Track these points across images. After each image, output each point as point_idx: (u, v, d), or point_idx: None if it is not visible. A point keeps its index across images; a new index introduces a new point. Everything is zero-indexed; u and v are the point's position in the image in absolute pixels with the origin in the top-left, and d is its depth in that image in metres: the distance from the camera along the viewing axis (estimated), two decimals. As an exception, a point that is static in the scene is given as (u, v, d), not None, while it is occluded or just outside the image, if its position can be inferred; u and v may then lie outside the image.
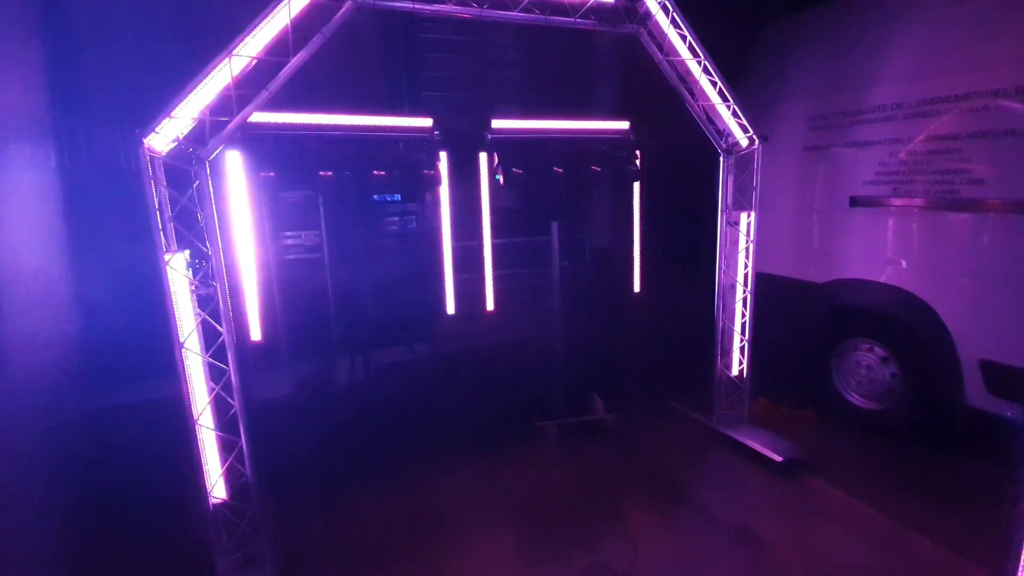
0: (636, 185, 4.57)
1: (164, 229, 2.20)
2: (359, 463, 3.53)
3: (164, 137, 2.19)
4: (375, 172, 3.59)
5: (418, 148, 3.72)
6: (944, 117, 3.37)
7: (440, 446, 3.77)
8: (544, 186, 4.21)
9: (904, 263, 3.66)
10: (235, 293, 3.33)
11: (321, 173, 3.66)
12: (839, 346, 4.16)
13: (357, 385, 4.37)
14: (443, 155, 3.85)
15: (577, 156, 4.24)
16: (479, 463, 3.62)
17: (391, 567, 2.65)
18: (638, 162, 4.45)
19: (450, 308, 4.15)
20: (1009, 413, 1.18)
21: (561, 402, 4.14)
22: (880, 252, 3.79)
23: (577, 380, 4.30)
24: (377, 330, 4.38)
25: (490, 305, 4.27)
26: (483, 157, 4.07)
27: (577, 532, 2.91)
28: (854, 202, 3.91)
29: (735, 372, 4.00)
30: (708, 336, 4.06)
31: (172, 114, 2.19)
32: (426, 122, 3.82)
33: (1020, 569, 1.23)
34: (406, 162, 3.69)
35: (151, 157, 2.15)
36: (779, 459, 3.45)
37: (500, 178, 4.02)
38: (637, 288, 4.69)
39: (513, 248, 4.77)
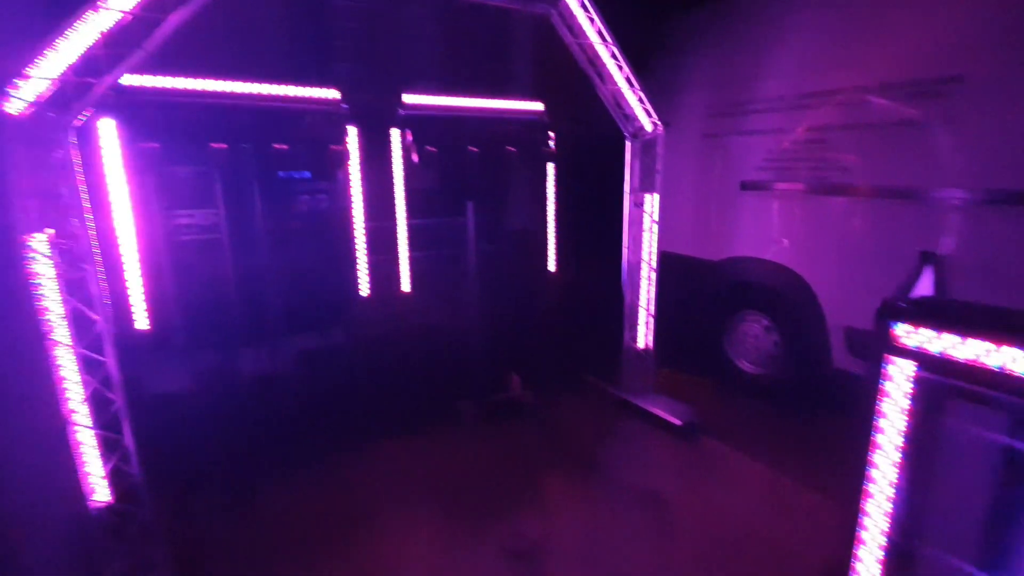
0: (550, 166, 4.67)
1: (22, 206, 1.93)
2: (271, 456, 3.37)
3: (19, 100, 1.90)
4: (276, 146, 3.36)
5: (325, 121, 3.53)
6: (818, 110, 3.74)
7: (358, 433, 3.68)
8: (459, 166, 4.18)
9: (785, 242, 4.06)
10: (115, 278, 3.00)
11: (214, 146, 3.37)
12: (731, 318, 4.56)
13: (266, 375, 4.13)
14: (352, 130, 3.68)
15: (492, 136, 4.24)
16: (397, 447, 3.60)
17: (306, 560, 2.58)
18: (552, 143, 4.55)
19: (364, 290, 4.03)
20: (857, 371, 1.36)
21: (479, 382, 4.19)
22: (765, 232, 4.17)
23: (495, 359, 4.37)
24: (287, 316, 4.15)
25: (406, 287, 4.19)
26: (396, 134, 3.95)
27: (494, 506, 2.99)
28: (744, 186, 4.27)
29: (641, 345, 4.26)
30: (617, 312, 4.28)
31: (27, 73, 1.91)
32: (333, 94, 3.63)
33: (863, 501, 1.42)
34: (311, 136, 3.49)
35: (4, 122, 1.87)
36: (679, 423, 3.75)
37: (414, 156, 3.93)
38: (552, 268, 4.83)
39: (430, 229, 4.69)
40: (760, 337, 4.34)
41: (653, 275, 4.15)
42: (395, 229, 4.13)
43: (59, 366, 2.03)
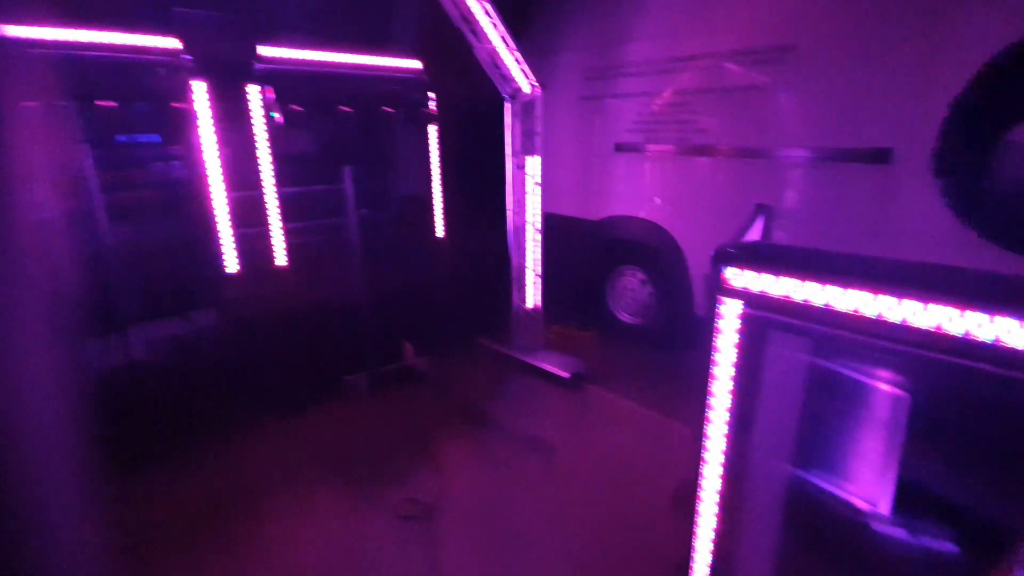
0: (432, 129, 4.53)
1: None
2: (143, 452, 3.03)
3: None
4: (100, 103, 2.89)
5: (162, 75, 3.09)
6: (680, 75, 3.99)
7: (239, 418, 3.44)
8: (332, 128, 3.90)
9: (656, 200, 4.36)
10: None
11: (26, 105, 2.81)
12: (611, 273, 4.85)
13: (125, 368, 3.67)
14: (199, 85, 3.26)
15: (368, 96, 4.00)
16: (285, 426, 3.43)
17: (188, 554, 2.39)
18: (433, 104, 4.40)
19: (232, 266, 3.68)
20: (698, 312, 1.50)
21: (370, 353, 4.08)
22: (638, 192, 4.45)
23: (386, 330, 4.26)
24: (142, 301, 3.69)
25: (282, 260, 3.91)
26: (254, 91, 3.57)
27: (388, 473, 2.98)
28: (618, 148, 4.49)
29: (530, 305, 4.41)
30: (507, 274, 4.36)
31: None
32: (173, 43, 3.17)
33: (704, 425, 1.60)
34: (144, 92, 3.05)
35: None
36: (567, 375, 3.97)
37: (278, 116, 3.60)
38: (440, 233, 4.77)
39: (306, 198, 4.39)
40: (637, 290, 4.68)
41: (538, 236, 4.26)
42: (264, 198, 3.79)
43: None
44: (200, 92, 3.26)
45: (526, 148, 4.07)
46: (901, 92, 2.94)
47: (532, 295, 4.39)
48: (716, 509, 1.68)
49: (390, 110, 4.03)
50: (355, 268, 4.12)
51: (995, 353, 1.10)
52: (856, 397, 2.27)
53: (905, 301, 1.21)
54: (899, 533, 2.29)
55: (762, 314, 1.44)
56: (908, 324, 1.20)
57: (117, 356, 3.65)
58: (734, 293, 1.48)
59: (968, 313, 1.11)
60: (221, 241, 3.60)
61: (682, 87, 3.99)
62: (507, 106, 3.98)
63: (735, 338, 1.50)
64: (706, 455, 1.66)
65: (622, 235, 4.64)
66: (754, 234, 1.83)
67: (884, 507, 2.32)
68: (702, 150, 3.96)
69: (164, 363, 3.79)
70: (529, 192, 4.16)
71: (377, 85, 4.11)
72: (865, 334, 1.29)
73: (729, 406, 1.57)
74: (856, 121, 3.14)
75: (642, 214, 4.46)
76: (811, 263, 1.40)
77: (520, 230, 4.27)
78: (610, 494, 2.76)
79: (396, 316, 4.37)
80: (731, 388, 1.55)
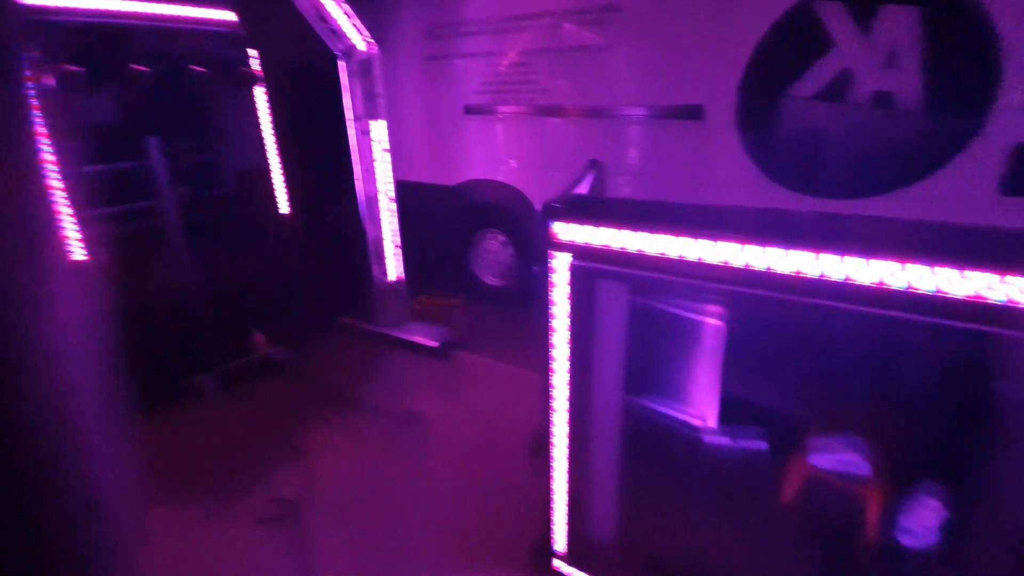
0: (259, 92, 4.04)
1: None
2: None
3: None
4: None
5: None
6: (521, 34, 4.00)
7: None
8: (129, 92, 3.30)
9: (512, 163, 4.41)
10: None
11: None
12: (473, 238, 4.86)
13: None
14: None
15: (169, 53, 3.42)
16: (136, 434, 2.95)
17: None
18: (256, 63, 3.91)
19: None
20: (535, 269, 1.54)
21: (217, 349, 3.65)
22: (491, 154, 4.46)
23: (233, 321, 3.84)
24: None
25: (80, 255, 3.27)
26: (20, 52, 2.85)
27: (247, 476, 2.74)
28: (468, 110, 4.42)
29: (392, 278, 4.26)
30: (364, 248, 4.14)
31: None
32: None
33: (549, 374, 1.67)
34: None
35: None
36: (435, 344, 3.95)
37: (49, 79, 2.93)
38: (286, 209, 4.35)
39: (112, 177, 3.69)
40: (499, 252, 4.76)
41: (393, 206, 4.09)
42: (44, 181, 3.10)
43: None
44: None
45: (369, 111, 3.83)
46: (708, 53, 3.26)
47: (393, 267, 4.24)
48: (566, 449, 1.79)
49: (200, 69, 3.49)
50: (186, 256, 3.61)
51: (794, 284, 1.25)
52: (683, 331, 2.55)
53: (703, 241, 1.34)
54: (724, 441, 2.66)
55: (588, 264, 1.52)
56: (704, 262, 1.34)
57: None
58: (562, 246, 1.53)
59: (769, 249, 1.26)
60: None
61: (525, 47, 4.01)
62: (341, 65, 3.68)
63: (567, 289, 1.56)
64: (553, 401, 1.75)
65: (480, 199, 4.65)
66: (583, 189, 1.92)
67: (712, 421, 2.68)
68: (547, 111, 4.05)
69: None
70: (377, 159, 3.94)
71: (180, 40, 3.53)
72: (676, 274, 1.42)
73: (568, 353, 1.65)
74: (674, 80, 3.43)
75: (500, 177, 4.49)
76: (626, 213, 1.49)
77: (373, 200, 4.06)
78: (480, 454, 2.83)
79: (242, 305, 3.94)
80: (567, 337, 1.63)
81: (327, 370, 3.81)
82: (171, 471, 2.73)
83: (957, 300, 1.07)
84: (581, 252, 1.51)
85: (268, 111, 4.11)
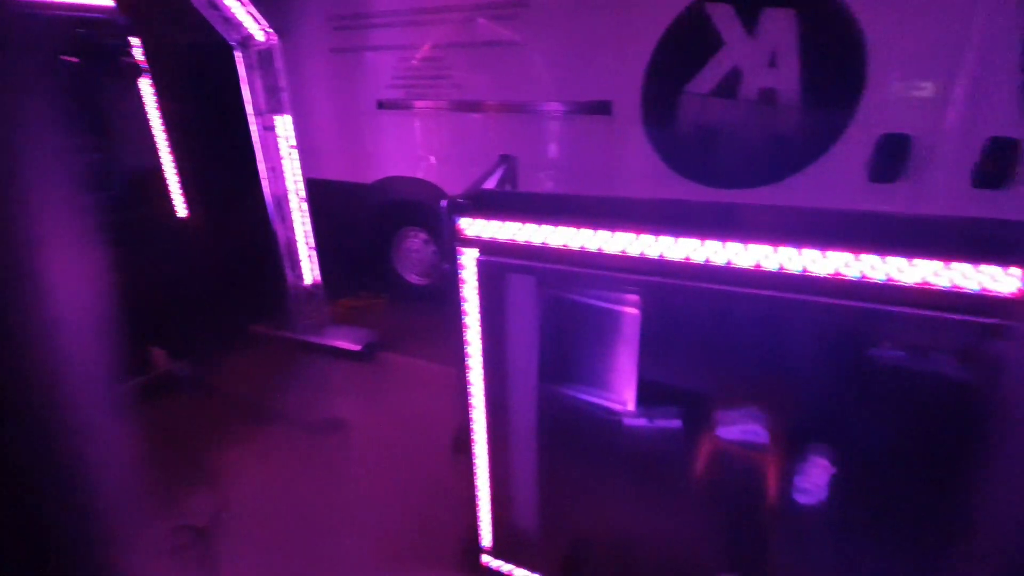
0: (145, 84, 3.70)
1: None
2: None
3: None
4: None
5: None
6: (435, 27, 3.93)
7: None
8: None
9: (430, 159, 4.33)
10: None
11: None
12: (394, 236, 4.75)
13: None
14: None
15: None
16: None
17: None
18: (139, 53, 3.57)
19: None
20: (445, 266, 1.51)
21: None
22: (409, 150, 4.36)
23: (127, 338, 3.49)
24: None
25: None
26: None
27: (154, 503, 2.51)
28: (381, 105, 4.30)
29: (309, 281, 4.06)
30: (276, 251, 3.92)
31: None
32: None
33: (465, 370, 1.65)
34: None
35: None
36: (358, 347, 3.82)
37: None
38: (183, 213, 4.02)
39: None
40: (421, 250, 4.68)
41: (304, 205, 3.90)
42: None
43: None
44: None
45: (272, 106, 3.61)
46: (614, 50, 3.37)
47: (309, 270, 4.05)
48: (486, 445, 1.79)
49: (72, 59, 3.14)
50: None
51: (689, 270, 1.31)
52: (601, 321, 2.64)
53: (602, 232, 1.37)
54: (642, 422, 2.79)
55: (496, 259, 1.52)
56: (604, 252, 1.38)
57: None
58: (469, 242, 1.52)
59: (662, 239, 1.31)
60: None
61: (438, 41, 3.94)
62: (238, 56, 3.44)
63: (475, 284, 1.56)
64: (471, 398, 1.74)
65: (399, 197, 4.54)
66: (492, 183, 1.92)
67: (631, 404, 2.79)
68: (465, 106, 4.02)
69: None
70: (285, 157, 3.73)
71: (52, 27, 3.14)
72: (580, 266, 1.45)
73: (482, 349, 1.65)
74: (584, 76, 3.52)
75: (419, 174, 4.39)
76: (531, 207, 1.50)
77: (282, 200, 3.84)
78: (404, 456, 2.78)
79: (138, 320, 3.58)
80: (480, 333, 1.63)
81: (238, 383, 3.57)
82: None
83: (831, 280, 1.18)
84: (488, 247, 1.51)
85: (156, 106, 3.77)
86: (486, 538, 2.00)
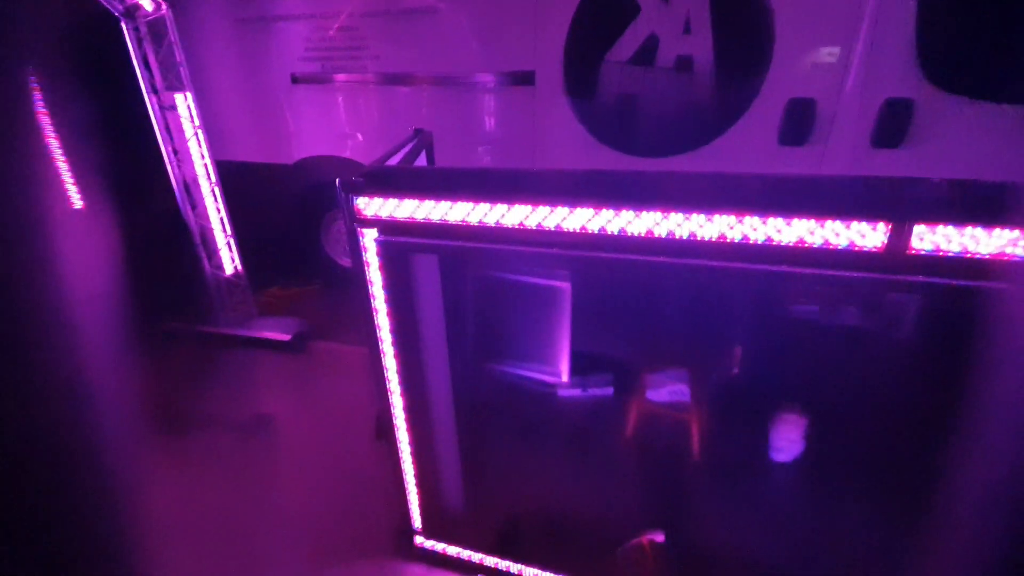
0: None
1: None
2: None
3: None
4: None
5: None
6: (343, -5, 3.70)
7: None
8: None
9: (357, 136, 4.13)
10: None
11: None
12: (324, 219, 4.55)
13: None
14: None
15: None
16: None
17: None
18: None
19: None
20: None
21: None
22: (332, 128, 4.14)
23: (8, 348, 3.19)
24: None
25: None
26: None
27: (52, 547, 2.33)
28: (295, 79, 4.04)
29: (230, 271, 3.84)
30: (188, 240, 3.66)
31: None
32: None
33: (380, 354, 1.60)
34: None
35: None
36: (287, 337, 3.66)
37: None
38: (78, 204, 3.66)
39: None
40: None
41: (217, 190, 3.65)
42: None
43: None
44: None
45: (170, 83, 3.32)
46: (534, 18, 3.29)
47: (229, 260, 3.81)
48: (406, 427, 1.76)
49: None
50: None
51: (600, 241, 1.29)
52: (531, 296, 2.63)
53: (500, 207, 1.34)
54: (576, 392, 2.83)
55: (397, 238, 1.46)
56: (503, 226, 1.35)
57: None
58: (368, 222, 1.45)
59: (559, 209, 1.28)
60: None
61: (352, 9, 3.72)
62: (125, 28, 3.12)
63: (376, 263, 1.50)
64: (388, 382, 1.70)
65: (324, 178, 4.32)
66: (396, 159, 1.84)
67: (565, 375, 2.83)
68: (385, 78, 3.84)
69: None
70: (190, 138, 3.46)
71: None
72: (481, 241, 1.41)
73: (391, 331, 1.60)
74: (507, 46, 3.43)
75: (346, 153, 4.19)
76: (431, 183, 1.44)
77: (192, 184, 3.57)
78: (334, 447, 2.70)
79: (25, 325, 3.27)
80: (388, 314, 1.57)
81: (151, 386, 3.34)
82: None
83: (718, 243, 1.20)
84: (387, 227, 1.45)
85: (31, 86, 3.37)
86: (417, 520, 1.99)
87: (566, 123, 3.36)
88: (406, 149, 1.94)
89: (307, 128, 4.21)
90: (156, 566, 1.97)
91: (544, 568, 1.96)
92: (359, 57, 3.83)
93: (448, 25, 3.54)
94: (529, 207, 1.29)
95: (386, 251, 1.47)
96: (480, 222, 1.34)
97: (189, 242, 3.64)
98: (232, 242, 3.79)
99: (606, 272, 2.23)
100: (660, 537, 2.10)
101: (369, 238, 1.47)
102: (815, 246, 1.12)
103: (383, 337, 1.62)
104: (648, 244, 1.26)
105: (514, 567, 1.98)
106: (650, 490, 2.33)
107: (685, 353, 2.58)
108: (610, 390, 2.85)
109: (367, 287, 1.54)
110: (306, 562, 2.17)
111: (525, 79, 3.42)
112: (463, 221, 1.36)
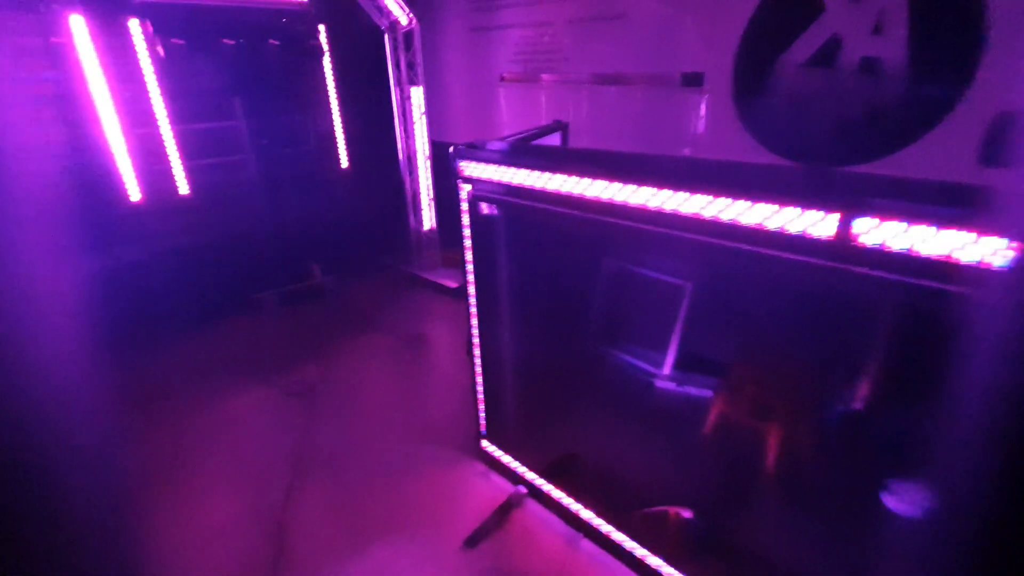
0: (327, 62, 4.76)
1: None
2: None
3: None
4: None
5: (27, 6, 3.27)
6: (547, 7, 4.29)
7: (164, 333, 3.86)
8: (218, 61, 4.12)
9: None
10: None
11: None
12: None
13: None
14: (77, 20, 3.44)
15: (250, 27, 4.19)
16: (201, 337, 3.89)
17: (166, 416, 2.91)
18: (322, 37, 4.62)
19: (135, 195, 3.99)
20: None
21: (280, 274, 4.52)
22: (527, 119, 4.82)
23: (295, 253, 4.69)
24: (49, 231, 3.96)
25: (184, 190, 4.22)
26: (136, 25, 3.75)
27: (285, 364, 3.52)
28: (502, 79, 4.82)
29: (427, 227, 4.87)
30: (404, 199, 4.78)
31: None
32: (44, -21, 3.33)
33: (468, 287, 2.12)
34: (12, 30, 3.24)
35: None
36: (454, 286, 4.51)
37: (159, 50, 3.81)
38: (345, 163, 5.11)
39: (211, 135, 4.58)
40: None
41: (428, 163, 4.66)
42: (159, 134, 4.05)
43: None
44: (78, 26, 3.44)
45: (410, 78, 4.39)
46: (709, 20, 3.37)
47: (428, 218, 4.84)
48: (478, 349, 2.26)
49: (275, 42, 4.25)
50: (261, 198, 4.48)
51: (647, 215, 1.58)
52: (652, 290, 2.84)
53: (557, 175, 1.71)
54: (671, 386, 2.95)
55: (483, 194, 1.95)
56: (561, 192, 1.71)
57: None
58: (465, 179, 1.97)
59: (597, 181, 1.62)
60: (123, 174, 3.89)
61: (552, 18, 4.30)
62: (386, 38, 4.25)
63: (465, 208, 2.01)
64: (471, 308, 2.22)
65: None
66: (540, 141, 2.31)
67: (666, 369, 2.97)
68: (573, 79, 4.33)
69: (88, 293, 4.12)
70: (416, 121, 4.51)
71: (261, 17, 4.29)
72: (552, 203, 1.80)
73: (473, 269, 2.11)
74: (680, 48, 3.58)
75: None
76: (516, 157, 1.89)
77: (412, 157, 4.66)
78: (459, 364, 3.36)
79: (305, 240, 4.78)
80: (472, 256, 2.08)
81: (363, 299, 4.54)
82: (232, 362, 3.59)
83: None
84: (477, 184, 1.94)
85: (333, 80, 4.83)
86: (483, 426, 2.48)
87: (730, 127, 3.36)
88: (545, 135, 2.39)
89: (507, 119, 4.98)
90: (324, 402, 2.87)
91: (577, 500, 2.25)
92: (554, 60, 4.39)
93: (632, 28, 3.83)
94: (563, 176, 1.64)
95: (472, 202, 1.97)
96: (531, 185, 1.73)
97: (403, 200, 4.76)
98: (432, 205, 4.79)
99: (725, 278, 2.34)
100: (688, 514, 2.19)
101: (464, 191, 1.99)
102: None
103: (469, 271, 2.14)
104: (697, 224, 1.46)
105: (553, 491, 2.32)
106: (703, 480, 2.39)
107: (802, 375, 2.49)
108: (708, 393, 2.89)
109: (463, 229, 2.07)
110: (413, 438, 2.86)
111: (694, 80, 3.52)
112: (521, 184, 1.77)
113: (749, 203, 1.26)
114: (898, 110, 2.81)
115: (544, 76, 4.54)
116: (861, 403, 2.01)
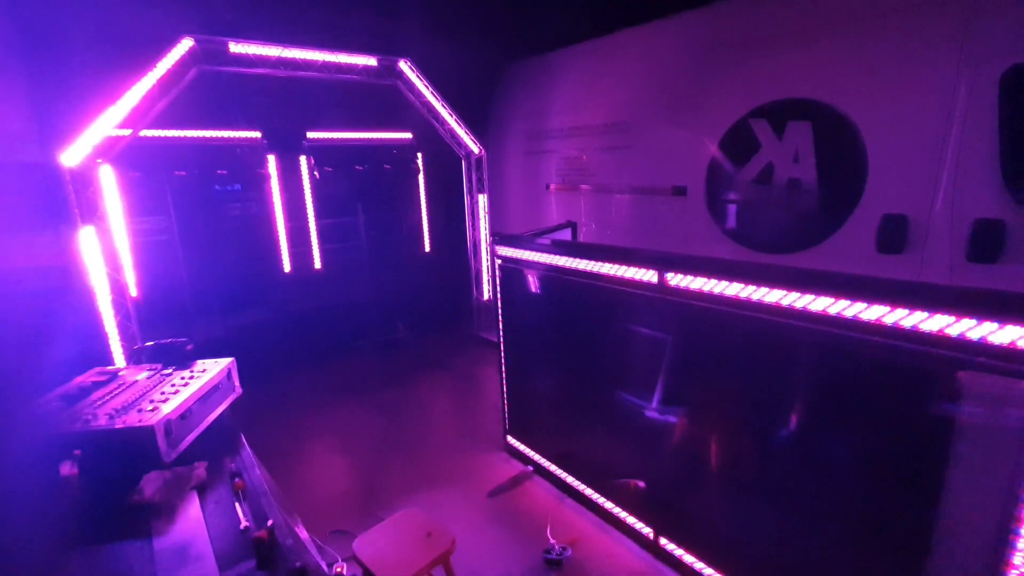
0: (420, 178, 6.58)
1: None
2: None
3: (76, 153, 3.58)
4: (219, 172, 5.08)
5: (249, 152, 5.27)
6: (579, 138, 5.86)
7: (295, 364, 5.44)
8: (351, 180, 6.00)
9: (583, 221, 6.16)
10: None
11: (176, 173, 5.03)
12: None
13: (215, 340, 5.74)
14: (271, 158, 5.42)
15: (374, 157, 6.10)
16: (322, 369, 5.41)
17: (297, 416, 4.37)
18: (419, 162, 6.47)
19: (286, 267, 5.77)
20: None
21: (375, 328, 6.06)
22: (560, 216, 6.28)
23: (386, 314, 6.25)
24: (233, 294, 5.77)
25: (318, 264, 5.97)
26: (303, 159, 5.72)
27: (374, 389, 4.90)
28: (547, 188, 6.37)
29: (486, 297, 6.28)
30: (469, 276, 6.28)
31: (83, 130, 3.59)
32: (254, 133, 5.36)
33: (500, 332, 3.44)
34: (242, 163, 5.23)
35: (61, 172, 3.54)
36: (503, 342, 5.78)
37: (316, 174, 5.73)
38: (427, 248, 6.76)
39: (337, 227, 6.43)
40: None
41: (488, 248, 6.16)
42: (308, 227, 5.89)
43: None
44: (272, 161, 5.42)
45: (478, 189, 6.03)
46: (688, 151, 4.71)
47: (487, 290, 6.27)
48: (504, 366, 3.49)
49: (388, 167, 6.11)
50: (367, 273, 6.15)
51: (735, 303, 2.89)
52: (643, 343, 3.96)
53: (558, 255, 3.03)
54: (654, 414, 3.95)
55: (508, 266, 3.30)
56: (561, 266, 3.02)
57: (210, 332, 5.72)
58: (500, 258, 3.34)
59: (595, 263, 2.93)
60: (280, 251, 5.71)
61: (581, 145, 5.86)
62: (464, 163, 5.97)
63: (498, 277, 3.35)
64: (503, 348, 3.49)
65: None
66: (559, 236, 3.66)
67: (654, 403, 3.99)
68: (594, 188, 5.78)
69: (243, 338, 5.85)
70: (480, 218, 6.09)
71: (380, 150, 6.21)
72: (565, 274, 3.11)
73: (501, 318, 3.40)
74: (669, 168, 4.92)
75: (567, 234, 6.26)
76: (522, 243, 3.24)
77: (477, 244, 6.19)
78: (495, 395, 4.54)
79: (394, 305, 6.36)
80: (501, 311, 3.39)
81: (434, 349, 5.93)
82: (343, 385, 5.03)
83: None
84: (507, 261, 3.29)
85: (424, 189, 6.62)
86: (509, 425, 3.64)
87: (705, 224, 4.57)
88: (565, 232, 3.75)
89: (549, 217, 6.45)
90: (398, 413, 4.26)
91: (571, 474, 3.29)
92: (584, 174, 5.88)
93: (633, 155, 5.25)
94: (568, 257, 2.93)
95: (502, 271, 3.30)
96: (541, 262, 3.04)
97: (469, 276, 6.24)
98: (490, 280, 6.23)
99: (707, 330, 3.46)
100: (642, 484, 3.15)
101: (497, 265, 3.34)
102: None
103: (501, 317, 3.42)
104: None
105: (552, 467, 3.37)
106: (658, 465, 3.33)
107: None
108: (674, 419, 3.84)
109: (496, 292, 3.39)
110: (460, 435, 4.04)
111: (680, 191, 4.81)
112: (528, 259, 3.08)
113: (718, 280, 2.49)
114: (815, 215, 3.91)
115: (582, 186, 6.02)
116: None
